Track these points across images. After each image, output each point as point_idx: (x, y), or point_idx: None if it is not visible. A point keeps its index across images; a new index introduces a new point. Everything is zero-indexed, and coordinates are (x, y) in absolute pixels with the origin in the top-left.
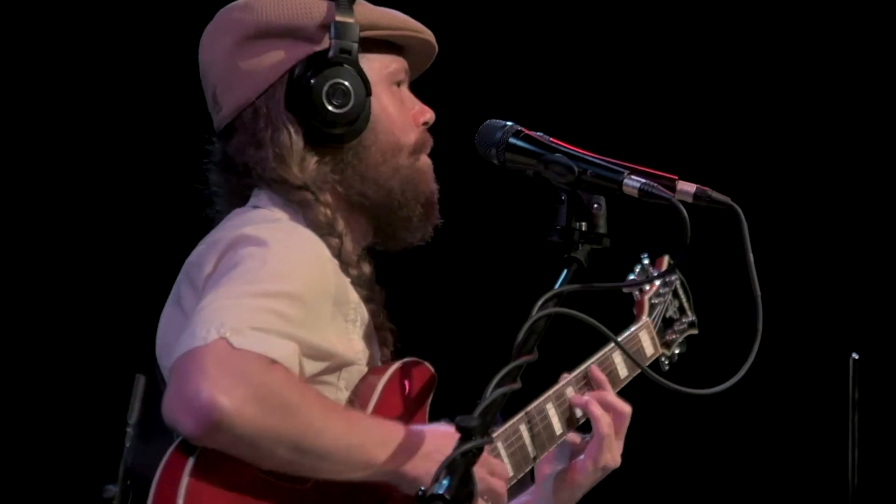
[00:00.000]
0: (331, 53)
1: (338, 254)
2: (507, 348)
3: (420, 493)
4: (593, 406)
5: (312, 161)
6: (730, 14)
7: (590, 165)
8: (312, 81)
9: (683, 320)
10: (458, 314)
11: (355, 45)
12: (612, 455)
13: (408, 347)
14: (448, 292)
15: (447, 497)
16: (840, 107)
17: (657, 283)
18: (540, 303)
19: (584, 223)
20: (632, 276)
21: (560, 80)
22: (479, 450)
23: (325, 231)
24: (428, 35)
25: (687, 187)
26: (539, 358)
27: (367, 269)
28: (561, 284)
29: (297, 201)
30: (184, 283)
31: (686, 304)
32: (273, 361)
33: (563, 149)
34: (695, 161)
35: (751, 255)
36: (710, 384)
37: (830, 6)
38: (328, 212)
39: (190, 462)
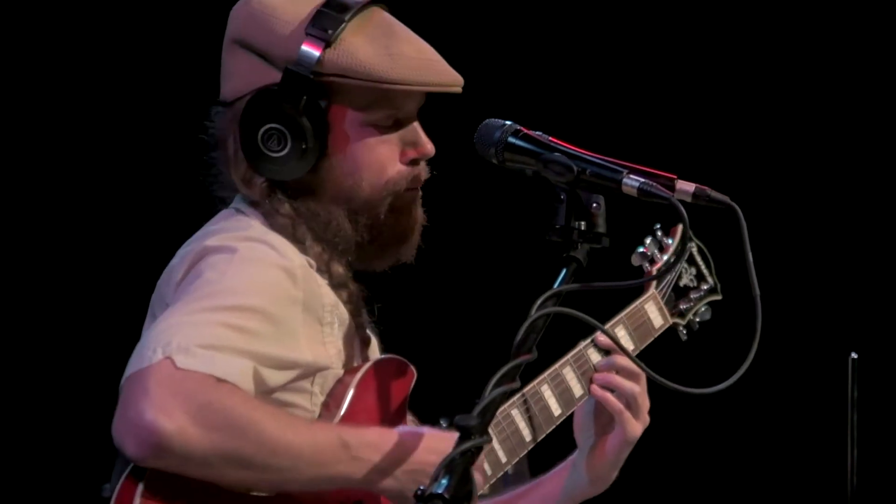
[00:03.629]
0: (272, 98)
1: (306, 256)
2: (505, 347)
3: (419, 492)
4: (613, 376)
5: (259, 182)
6: (729, 14)
7: (589, 165)
8: (253, 117)
9: (702, 287)
10: (457, 314)
11: (310, 91)
12: (641, 418)
13: (407, 347)
14: (447, 292)
15: (446, 496)
16: (839, 107)
17: (665, 256)
18: (539, 302)
19: (583, 222)
20: (641, 249)
21: (560, 80)
22: (479, 449)
23: (287, 237)
24: (420, 86)
25: (686, 186)
26: (538, 358)
27: (339, 269)
28: (560, 284)
29: (255, 204)
30: (157, 297)
31: (705, 271)
32: (220, 380)
33: (562, 148)
34: (694, 160)
35: (750, 255)
36: (709, 383)
37: (830, 6)
38: (287, 221)
39: (140, 488)
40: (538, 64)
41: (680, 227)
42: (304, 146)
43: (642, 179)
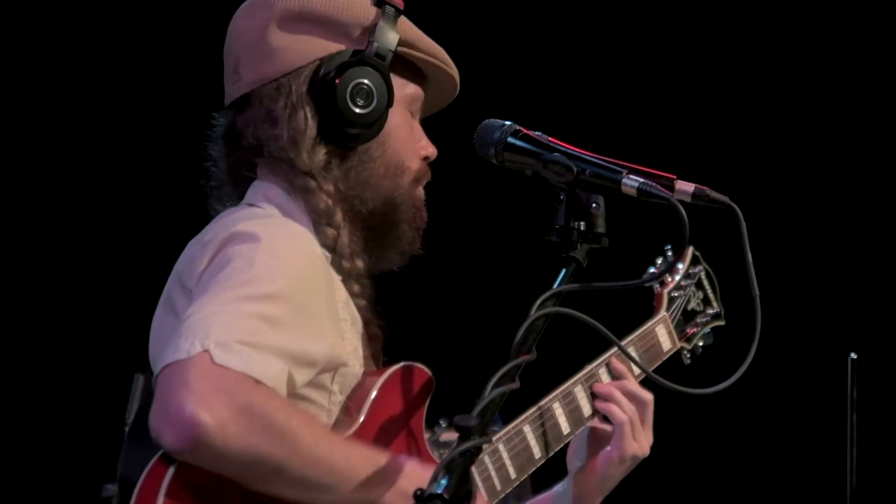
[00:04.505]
0: (368, 51)
1: (333, 245)
2: (505, 348)
3: (419, 492)
4: (615, 394)
5: (322, 152)
6: (728, 14)
7: (588, 165)
8: (341, 76)
9: (708, 312)
10: (456, 314)
11: (391, 54)
12: (640, 444)
13: (406, 347)
14: (446, 292)
15: (445, 496)
16: (838, 107)
17: (678, 276)
18: (538, 302)
19: (582, 222)
20: (652, 270)
21: (559, 80)
22: (478, 449)
23: (323, 220)
24: (454, 73)
25: (685, 187)
26: (538, 358)
27: (360, 263)
28: (560, 284)
29: (300, 186)
30: (175, 286)
31: (711, 295)
32: (257, 381)
33: (561, 148)
34: (693, 160)
35: (749, 255)
36: (708, 384)
37: (830, 6)
38: (329, 201)
39: (171, 471)
40: (538, 64)
41: (689, 251)
42: (386, 106)
43: (642, 179)
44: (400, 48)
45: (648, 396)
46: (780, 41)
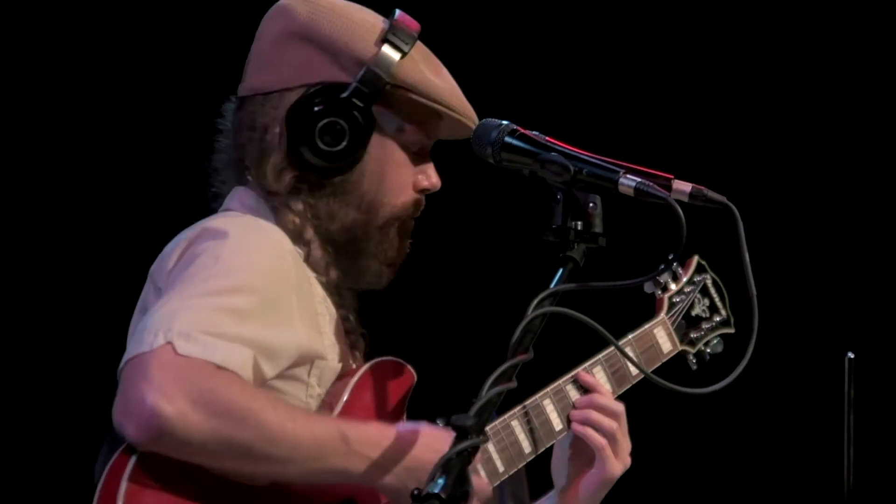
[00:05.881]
0: (344, 94)
1: (305, 260)
2: (502, 347)
3: (416, 492)
4: (591, 416)
5: (289, 176)
6: (726, 14)
7: (585, 164)
8: (316, 109)
9: (715, 318)
10: (454, 314)
11: (377, 96)
12: (622, 460)
13: (405, 347)
14: (445, 292)
15: (443, 496)
16: (835, 106)
17: (682, 282)
18: (535, 302)
19: (579, 222)
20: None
21: (556, 80)
22: (475, 449)
23: (291, 236)
24: (461, 116)
25: (683, 186)
26: (535, 357)
27: (335, 275)
28: (557, 283)
29: (269, 202)
30: (149, 289)
31: (719, 303)
32: (220, 367)
33: (558, 148)
34: (691, 160)
35: (746, 255)
36: (705, 383)
37: (829, 6)
38: (297, 220)
39: (132, 461)
40: (536, 64)
41: (695, 259)
42: (357, 146)
43: (639, 179)
44: (398, 90)
45: (620, 408)
46: (777, 40)
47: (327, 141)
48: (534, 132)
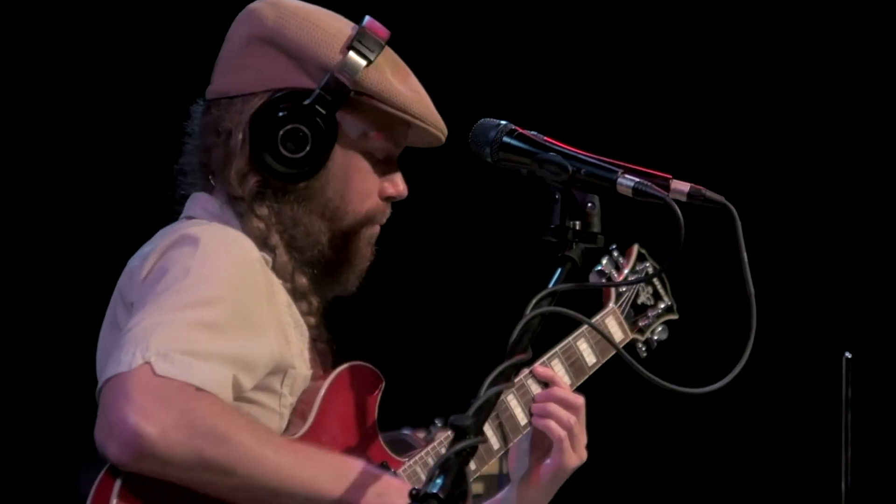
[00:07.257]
0: (307, 101)
1: (271, 267)
2: (501, 347)
3: (414, 492)
4: (551, 409)
5: (253, 181)
6: (725, 13)
7: (584, 164)
8: (279, 115)
9: (659, 306)
10: (452, 313)
11: (341, 103)
12: (578, 453)
13: (404, 347)
14: (443, 292)
15: (441, 496)
16: (834, 107)
17: (625, 271)
18: (534, 301)
19: (578, 222)
20: (599, 268)
21: (555, 80)
22: (474, 449)
23: (257, 242)
24: (429, 125)
25: (681, 186)
26: (533, 357)
27: (303, 280)
28: (555, 283)
29: (234, 207)
30: (118, 303)
31: (661, 290)
32: (199, 389)
33: (557, 148)
34: (689, 160)
35: (744, 254)
36: (703, 383)
37: (829, 6)
38: (262, 226)
39: (118, 483)
40: (534, 64)
41: (635, 248)
42: (320, 153)
43: (637, 179)
44: (363, 97)
45: (580, 401)
46: (776, 41)
47: (289, 147)
48: (532, 132)
